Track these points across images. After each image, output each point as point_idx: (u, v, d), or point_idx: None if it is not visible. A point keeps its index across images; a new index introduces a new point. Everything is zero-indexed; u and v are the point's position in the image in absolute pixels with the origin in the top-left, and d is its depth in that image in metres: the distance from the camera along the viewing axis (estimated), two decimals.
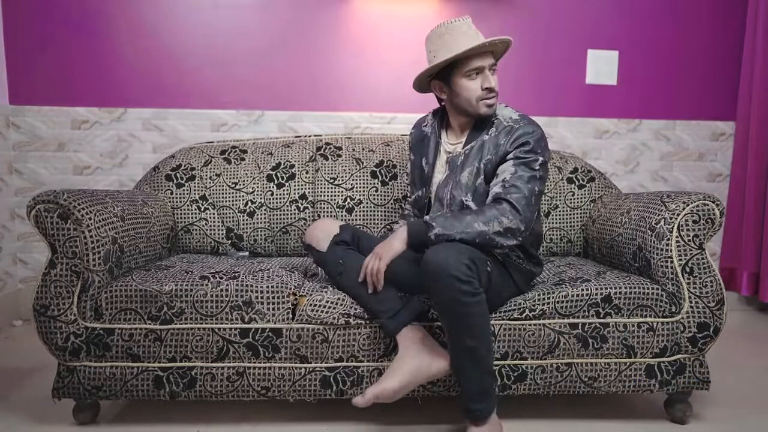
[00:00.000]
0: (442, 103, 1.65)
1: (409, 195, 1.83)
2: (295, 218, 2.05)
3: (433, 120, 1.71)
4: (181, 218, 2.03)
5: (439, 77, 1.56)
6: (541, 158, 1.48)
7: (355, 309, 1.49)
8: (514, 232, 1.41)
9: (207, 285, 1.49)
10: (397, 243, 1.43)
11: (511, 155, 1.48)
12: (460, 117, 1.60)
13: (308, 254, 1.69)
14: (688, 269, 1.53)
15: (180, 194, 2.05)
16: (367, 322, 1.48)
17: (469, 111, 1.55)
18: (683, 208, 1.54)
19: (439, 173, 1.63)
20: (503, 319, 1.49)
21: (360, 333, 1.48)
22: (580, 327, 1.51)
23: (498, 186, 1.47)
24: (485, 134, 1.55)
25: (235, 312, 1.48)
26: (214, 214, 2.05)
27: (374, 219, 2.05)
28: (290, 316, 1.49)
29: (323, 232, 1.58)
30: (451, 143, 1.63)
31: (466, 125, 1.61)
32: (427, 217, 1.43)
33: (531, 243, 1.57)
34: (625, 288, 1.52)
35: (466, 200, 1.53)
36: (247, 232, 2.04)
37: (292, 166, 2.10)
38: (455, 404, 1.65)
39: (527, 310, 1.49)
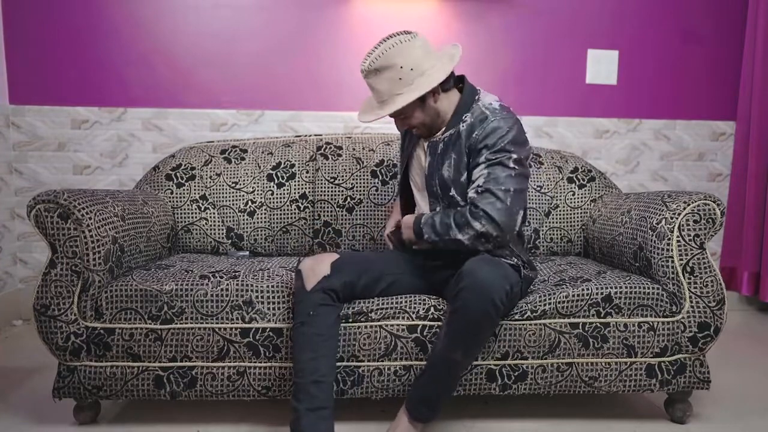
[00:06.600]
0: None
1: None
2: (295, 218, 2.05)
3: None
4: (181, 218, 2.03)
5: None
6: (515, 155, 1.40)
7: (354, 307, 1.49)
8: (488, 236, 1.38)
9: (207, 284, 1.49)
10: (409, 233, 1.53)
11: (482, 157, 1.42)
12: None
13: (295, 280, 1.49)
14: (688, 269, 1.53)
15: (180, 194, 2.05)
16: (367, 321, 1.48)
17: None
18: (684, 208, 1.54)
19: (417, 161, 1.61)
20: (504, 320, 1.48)
21: (360, 332, 1.48)
22: (580, 327, 1.50)
23: (472, 191, 1.41)
24: (462, 124, 1.48)
25: (235, 312, 1.48)
26: (214, 213, 2.05)
27: (374, 219, 2.05)
28: (290, 315, 1.48)
29: (324, 264, 1.45)
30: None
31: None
32: (421, 223, 1.48)
33: (516, 244, 1.54)
34: (626, 288, 1.52)
35: (452, 195, 1.49)
36: (247, 232, 2.04)
37: (293, 166, 2.10)
38: (454, 404, 1.65)
39: (528, 311, 1.49)
